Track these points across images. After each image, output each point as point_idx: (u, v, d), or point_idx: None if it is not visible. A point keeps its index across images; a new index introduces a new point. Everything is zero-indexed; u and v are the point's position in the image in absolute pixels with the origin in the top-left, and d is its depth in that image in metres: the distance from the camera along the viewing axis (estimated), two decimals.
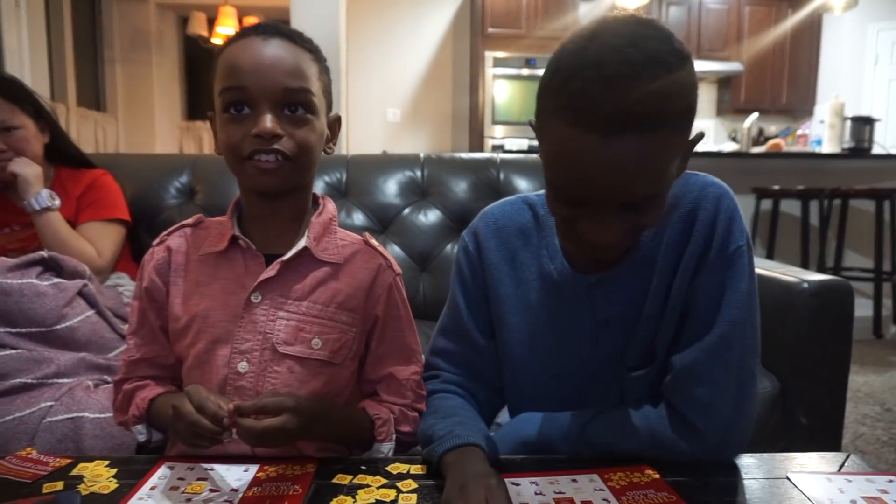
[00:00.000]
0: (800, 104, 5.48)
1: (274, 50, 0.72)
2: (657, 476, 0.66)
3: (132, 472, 0.68)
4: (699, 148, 3.56)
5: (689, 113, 0.60)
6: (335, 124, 0.82)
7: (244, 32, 0.74)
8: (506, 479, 0.64)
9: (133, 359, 0.82)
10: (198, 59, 5.74)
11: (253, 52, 0.72)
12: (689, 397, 0.69)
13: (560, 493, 0.63)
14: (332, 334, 0.78)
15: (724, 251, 0.69)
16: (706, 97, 5.79)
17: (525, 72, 4.79)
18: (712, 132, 5.73)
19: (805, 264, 3.39)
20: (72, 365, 1.15)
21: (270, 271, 0.76)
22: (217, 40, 5.02)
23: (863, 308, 3.57)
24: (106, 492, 0.64)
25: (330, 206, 0.84)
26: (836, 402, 1.14)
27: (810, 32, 5.42)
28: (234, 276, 0.77)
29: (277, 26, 0.75)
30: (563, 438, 0.74)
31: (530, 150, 4.44)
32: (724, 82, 5.63)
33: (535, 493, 0.63)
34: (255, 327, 0.75)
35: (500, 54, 4.75)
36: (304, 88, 0.73)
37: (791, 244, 3.52)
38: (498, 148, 4.64)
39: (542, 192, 0.74)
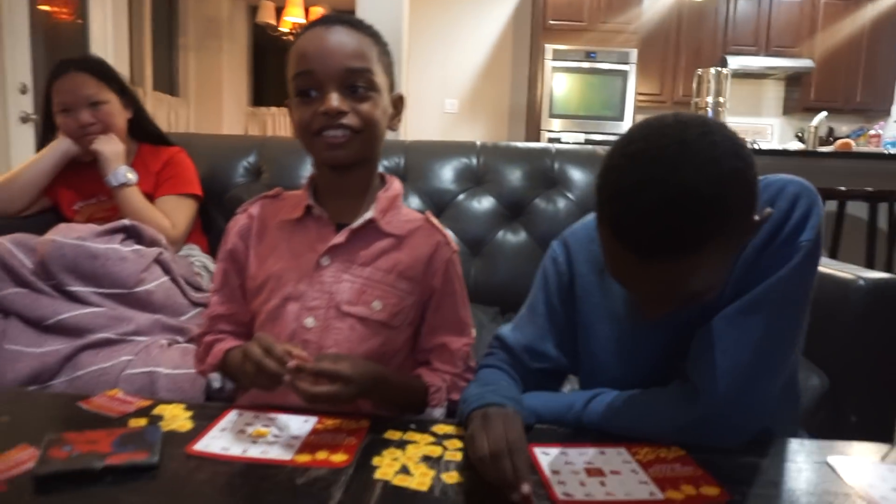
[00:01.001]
0: (875, 103, 5.22)
1: (336, 36, 0.80)
2: (683, 452, 0.68)
3: (205, 415, 0.75)
4: (763, 145, 3.45)
5: (742, 215, 0.61)
6: (398, 102, 0.89)
7: (310, 25, 0.83)
8: (536, 448, 0.68)
9: (214, 314, 0.91)
10: (265, 47, 5.93)
11: (318, 40, 0.80)
12: (695, 360, 0.70)
13: (589, 462, 0.66)
14: (392, 299, 0.84)
15: (786, 245, 0.69)
16: (773, 95, 5.59)
17: (585, 65, 4.75)
18: (778, 131, 5.54)
19: (870, 269, 3.25)
20: (148, 325, 1.25)
21: (340, 237, 0.84)
22: (284, 28, 5.18)
23: None
24: (183, 430, 0.71)
25: (396, 185, 0.92)
26: (887, 401, 1.12)
27: (889, 26, 5.15)
28: (307, 242, 0.85)
29: (339, 15, 0.83)
30: (567, 411, 0.76)
31: (587, 143, 4.41)
32: (794, 79, 5.42)
33: (565, 463, 0.66)
34: (322, 287, 0.83)
35: (561, 47, 4.72)
36: (365, 68, 0.80)
37: (856, 247, 3.39)
38: (555, 141, 4.63)
39: None
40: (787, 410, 0.80)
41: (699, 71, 3.79)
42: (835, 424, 1.14)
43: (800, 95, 5.34)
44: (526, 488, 0.55)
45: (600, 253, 0.77)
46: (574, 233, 0.86)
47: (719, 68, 3.72)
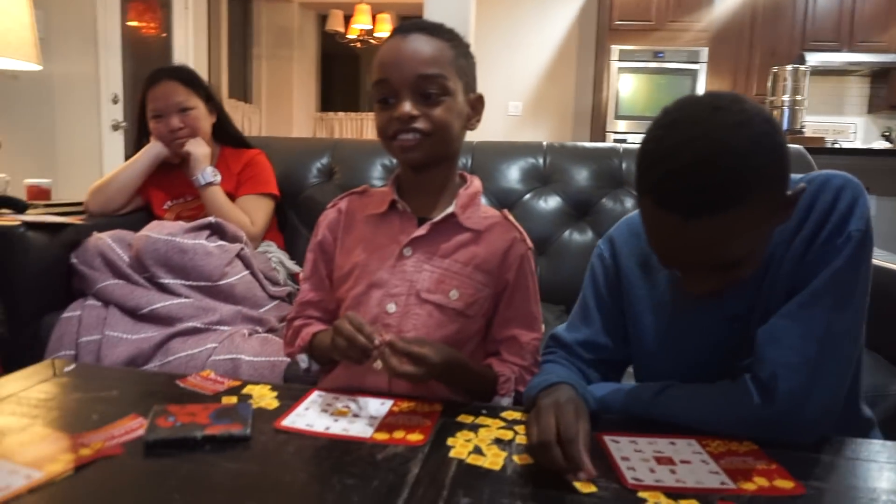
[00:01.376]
0: None
1: (411, 44, 0.84)
2: (755, 447, 0.68)
3: (290, 395, 0.80)
4: (846, 145, 3.31)
5: (774, 182, 0.63)
6: (477, 103, 0.92)
7: (391, 34, 0.87)
8: (606, 437, 0.69)
9: (304, 300, 0.98)
10: (333, 54, 6.13)
11: (393, 49, 0.85)
12: (762, 357, 0.69)
13: (659, 451, 0.67)
14: (468, 290, 0.89)
15: (834, 236, 0.69)
16: (856, 92, 5.30)
17: (652, 65, 4.65)
18: (862, 130, 5.24)
19: None
20: (231, 315, 1.33)
21: (422, 230, 0.89)
22: (352, 35, 5.33)
23: None
24: (270, 408, 0.76)
25: (476, 183, 0.96)
26: None
27: None
28: (391, 234, 0.91)
29: (417, 22, 0.88)
30: (635, 403, 0.77)
31: None
32: (879, 75, 5.12)
33: (635, 451, 0.67)
34: (404, 276, 0.88)
35: (627, 47, 4.65)
36: (437, 74, 0.84)
37: None
38: (620, 142, 4.55)
39: None
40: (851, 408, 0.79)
41: (775, 68, 3.66)
42: None
43: (886, 92, 5.03)
44: (583, 476, 0.59)
45: (644, 245, 0.78)
46: (618, 228, 0.89)
47: (797, 65, 3.58)
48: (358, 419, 0.74)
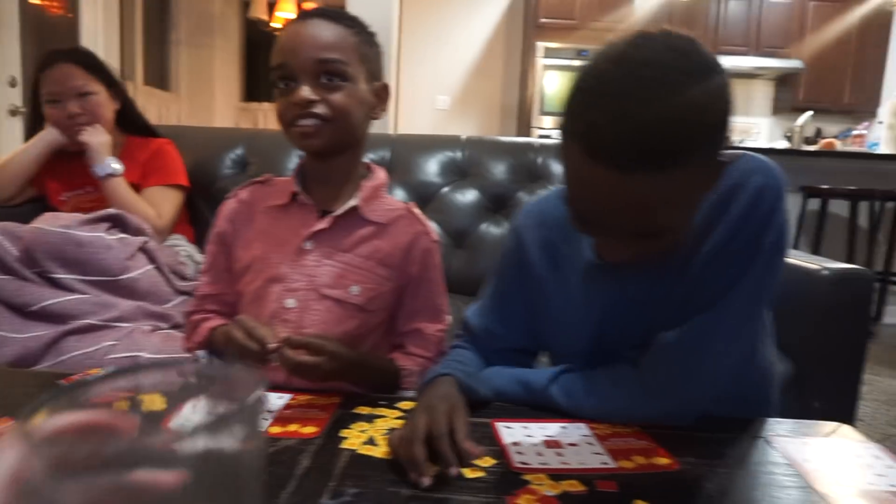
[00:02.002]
0: (863, 105, 5.27)
1: (310, 29, 0.83)
2: (638, 428, 0.71)
3: (181, 395, 0.77)
4: (750, 144, 3.50)
5: (715, 145, 0.58)
6: (382, 92, 0.91)
7: (292, 20, 0.86)
8: (498, 423, 0.71)
9: (202, 294, 0.95)
10: (257, 43, 5.94)
11: (293, 33, 0.83)
12: (656, 360, 0.71)
13: (549, 436, 0.69)
14: (369, 284, 0.88)
15: (750, 245, 0.67)
16: (763, 94, 5.64)
17: (577, 63, 4.77)
18: (767, 131, 5.58)
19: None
20: (132, 311, 1.27)
21: (323, 223, 0.88)
22: (276, 24, 5.19)
23: None
24: (158, 409, 0.73)
25: (381, 174, 0.95)
26: (849, 389, 1.16)
27: (878, 29, 5.20)
28: (292, 227, 0.89)
29: (320, 9, 0.87)
30: (526, 389, 0.78)
31: None
32: (783, 80, 5.46)
33: (526, 436, 0.69)
34: (303, 270, 0.87)
35: (552, 45, 4.75)
36: (336, 59, 0.83)
37: (837, 244, 3.44)
38: (545, 139, 4.65)
39: None
40: (763, 391, 0.83)
41: None
42: (800, 410, 1.17)
43: (789, 96, 5.38)
44: (454, 471, 0.58)
45: (550, 234, 0.80)
46: (525, 215, 0.87)
47: None
48: (266, 415, 0.72)
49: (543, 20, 4.83)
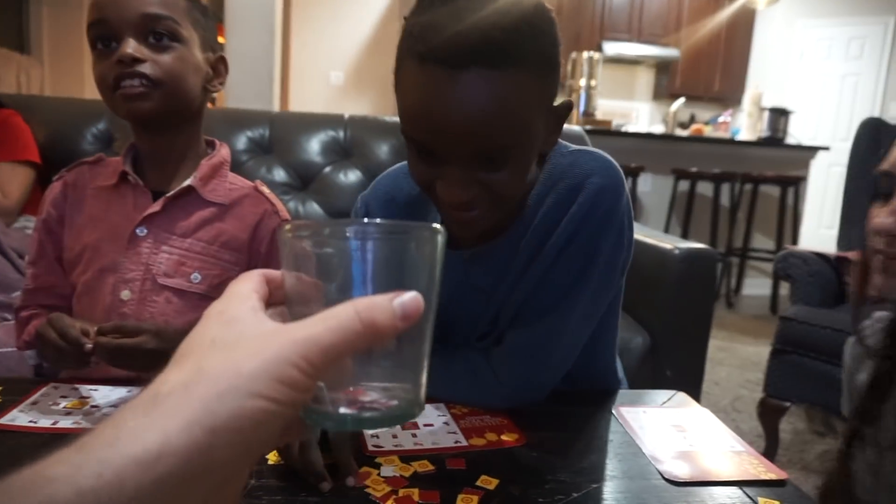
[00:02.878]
0: (731, 93, 5.74)
1: None
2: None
3: (17, 391, 0.71)
4: (628, 129, 3.69)
5: (545, 61, 0.59)
6: (219, 64, 0.86)
7: None
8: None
9: (30, 288, 0.86)
10: None
11: None
12: (503, 354, 0.74)
13: None
14: (214, 270, 0.83)
15: (590, 245, 0.69)
16: (644, 81, 5.98)
17: None
18: (647, 115, 5.94)
19: (713, 243, 3.62)
20: None
21: (155, 207, 0.81)
22: None
23: (764, 287, 3.85)
24: None
25: (223, 151, 0.89)
26: (697, 358, 1.28)
27: (744, 24, 5.66)
28: (124, 211, 0.82)
29: None
30: None
31: None
32: (662, 67, 5.82)
33: None
34: (139, 259, 0.81)
35: None
36: (165, 15, 0.76)
37: (704, 223, 3.74)
38: None
39: None
40: (607, 365, 0.89)
41: (573, 54, 3.98)
42: (655, 379, 1.28)
43: (667, 82, 5.75)
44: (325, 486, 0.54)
45: (398, 210, 0.79)
46: (375, 187, 0.84)
47: (593, 53, 3.92)
48: (97, 410, 0.68)
49: None
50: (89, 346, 0.66)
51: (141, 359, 0.69)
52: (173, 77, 0.77)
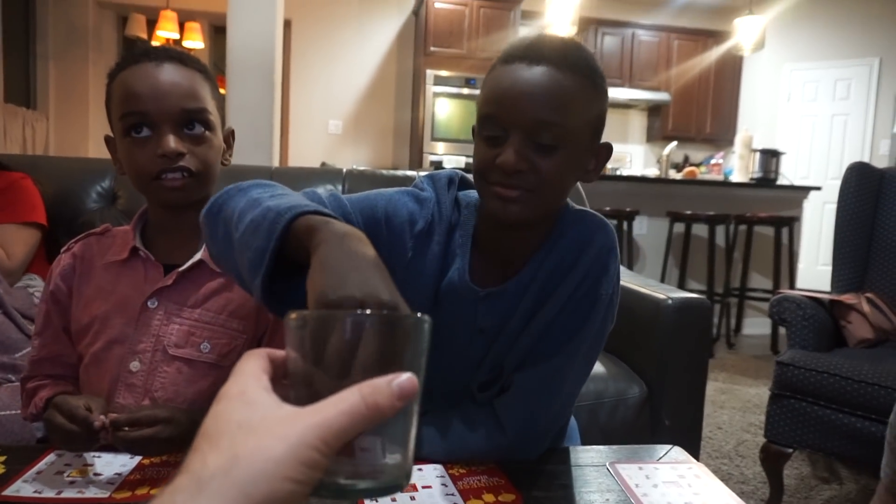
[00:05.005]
0: (722, 135, 5.85)
1: (168, 74, 0.80)
2: (493, 464, 0.75)
3: (22, 459, 0.72)
4: (623, 171, 3.76)
5: (597, 85, 0.72)
6: (229, 137, 0.91)
7: (134, 59, 0.81)
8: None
9: (36, 358, 0.87)
10: None
11: (149, 78, 0.79)
12: (505, 404, 0.77)
13: None
14: (222, 339, 0.84)
15: (588, 296, 0.76)
16: (637, 124, 6.10)
17: (465, 91, 4.94)
18: (642, 158, 6.03)
19: (711, 284, 3.63)
20: None
21: (167, 280, 0.83)
22: (157, 43, 4.96)
23: (763, 326, 3.85)
24: None
25: None
26: (695, 406, 1.28)
27: (732, 67, 5.81)
28: (134, 284, 0.84)
29: (167, 50, 0.83)
30: None
31: (467, 167, 4.58)
32: (654, 110, 5.95)
33: None
34: (149, 330, 0.82)
35: (442, 73, 4.89)
36: (201, 108, 0.81)
37: (700, 264, 3.77)
38: (436, 164, 4.75)
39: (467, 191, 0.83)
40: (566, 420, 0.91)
41: None
42: (653, 429, 1.28)
43: (660, 125, 5.86)
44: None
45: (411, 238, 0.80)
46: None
47: None
48: (99, 478, 0.69)
49: (433, 48, 4.96)
50: (97, 423, 0.68)
51: (157, 446, 0.71)
52: (207, 166, 0.82)
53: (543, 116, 0.69)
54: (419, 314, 0.36)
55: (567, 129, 0.70)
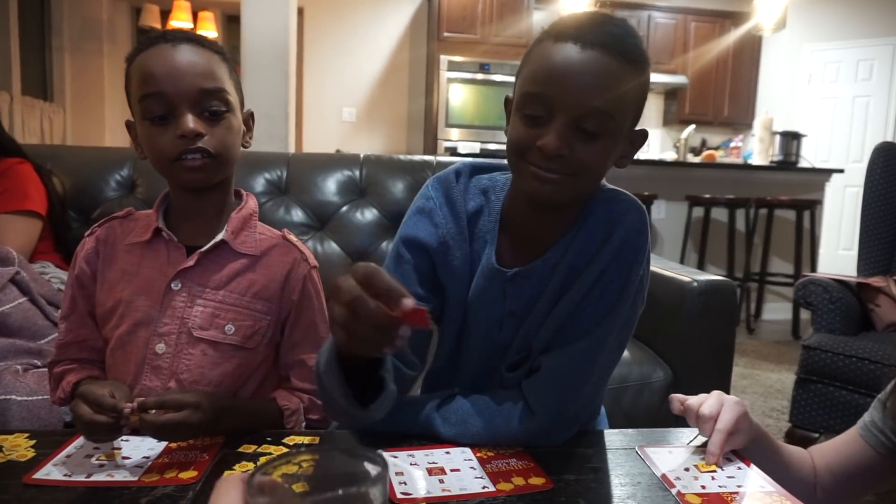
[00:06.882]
0: (740, 118, 5.75)
1: (185, 55, 0.79)
2: (520, 448, 0.74)
3: (51, 443, 0.72)
4: (641, 155, 3.70)
5: (642, 71, 0.70)
6: (249, 119, 0.90)
7: (152, 41, 0.81)
8: (384, 453, 0.71)
9: (63, 342, 0.87)
10: None
11: (166, 59, 0.78)
12: (535, 386, 0.75)
13: (433, 462, 0.70)
14: (246, 321, 0.84)
15: (619, 278, 0.74)
16: (654, 107, 6.01)
17: (479, 76, 4.90)
18: (658, 142, 5.95)
19: (731, 268, 3.59)
20: (1, 350, 1.18)
21: (189, 261, 0.83)
22: None
23: (784, 311, 3.80)
24: (23, 460, 0.69)
25: (251, 203, 0.91)
26: (721, 390, 1.26)
27: (751, 49, 5.70)
28: (158, 266, 0.84)
29: (184, 32, 0.83)
30: (415, 418, 0.77)
31: (482, 153, 4.55)
32: (671, 94, 5.86)
33: (411, 464, 0.70)
34: (173, 312, 0.82)
35: (456, 58, 4.85)
36: (218, 88, 0.80)
37: (722, 249, 3.72)
38: (451, 150, 4.73)
39: (492, 175, 0.82)
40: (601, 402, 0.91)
41: None
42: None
43: (677, 109, 5.78)
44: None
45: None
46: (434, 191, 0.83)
47: None
48: (127, 461, 0.69)
49: (447, 34, 4.91)
50: (127, 409, 0.68)
51: (185, 431, 0.71)
52: (226, 147, 0.81)
53: (593, 104, 0.66)
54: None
55: (613, 119, 0.68)
